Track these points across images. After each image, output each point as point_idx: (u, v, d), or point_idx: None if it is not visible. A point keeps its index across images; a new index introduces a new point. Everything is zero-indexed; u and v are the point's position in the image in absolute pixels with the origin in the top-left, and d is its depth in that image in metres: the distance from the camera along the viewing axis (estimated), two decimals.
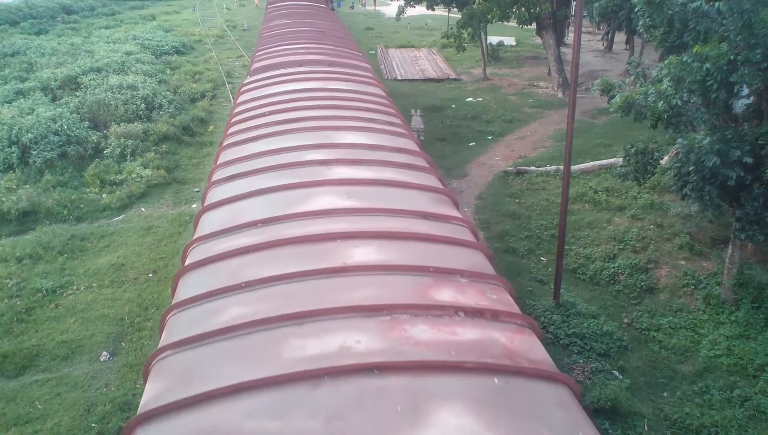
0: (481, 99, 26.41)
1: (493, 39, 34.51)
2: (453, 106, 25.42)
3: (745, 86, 10.02)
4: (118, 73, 25.83)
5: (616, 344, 10.81)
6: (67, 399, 9.72)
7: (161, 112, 22.39)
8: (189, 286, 5.92)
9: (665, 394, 9.87)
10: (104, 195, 16.75)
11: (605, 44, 35.20)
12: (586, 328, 11.04)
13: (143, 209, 16.36)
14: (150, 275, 13.19)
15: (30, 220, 15.47)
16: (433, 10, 34.19)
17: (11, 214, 15.31)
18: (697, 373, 10.18)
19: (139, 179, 17.42)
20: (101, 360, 10.63)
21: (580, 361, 10.34)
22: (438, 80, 29.98)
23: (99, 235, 14.95)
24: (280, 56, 14.80)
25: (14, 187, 16.63)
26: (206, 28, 43.62)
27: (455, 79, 30.09)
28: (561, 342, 10.71)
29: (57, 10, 48.66)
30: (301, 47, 15.91)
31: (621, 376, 10.09)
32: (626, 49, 33.66)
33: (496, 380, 4.29)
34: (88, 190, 17.09)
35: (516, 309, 5.35)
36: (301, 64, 13.68)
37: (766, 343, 10.50)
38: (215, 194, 7.78)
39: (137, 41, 34.36)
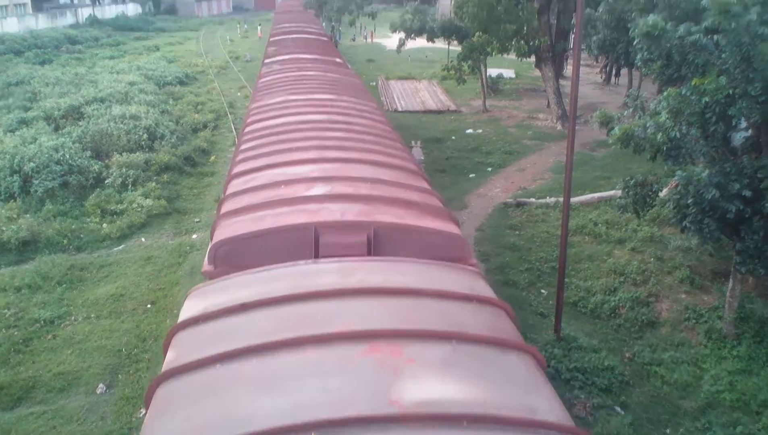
0: (480, 131, 26.57)
1: (492, 71, 34.84)
2: (453, 137, 25.56)
3: (743, 119, 10.08)
4: (121, 103, 26.04)
5: (618, 379, 10.69)
6: (62, 432, 9.58)
7: (163, 142, 22.51)
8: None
9: (668, 430, 9.73)
10: (104, 225, 16.76)
11: (604, 77, 35.54)
12: (588, 363, 10.93)
13: (143, 239, 16.35)
14: (149, 306, 13.12)
15: (30, 249, 15.44)
16: (434, 42, 34.60)
17: (11, 244, 15.27)
18: (699, 409, 10.06)
19: (139, 209, 17.43)
20: (98, 392, 10.51)
21: (582, 396, 10.22)
22: (438, 112, 30.19)
23: (98, 265, 14.91)
24: (278, 210, 7.47)
25: (15, 216, 16.64)
26: (209, 59, 44.11)
27: (455, 111, 30.31)
28: (562, 377, 10.59)
29: (61, 41, 49.36)
30: (312, 170, 8.67)
31: (623, 412, 9.96)
32: (616, 83, 33.99)
33: None
34: (88, 219, 17.10)
35: None
36: (316, 257, 6.74)
37: None
38: None
39: (141, 72, 34.73)
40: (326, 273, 6.00)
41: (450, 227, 7.36)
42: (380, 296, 5.58)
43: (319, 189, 8.03)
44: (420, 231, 7.06)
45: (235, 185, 8.92)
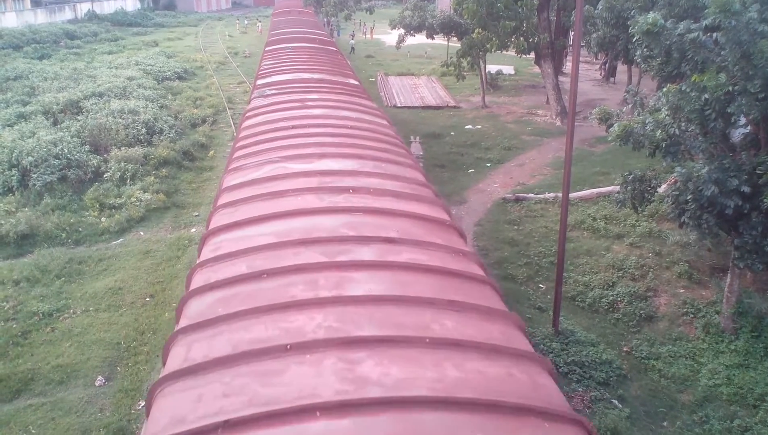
0: (480, 126, 26.57)
1: (492, 68, 34.81)
2: (452, 133, 25.57)
3: (742, 116, 10.11)
4: (120, 98, 26.01)
5: (616, 373, 10.73)
6: (61, 424, 9.60)
7: (162, 137, 22.50)
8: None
9: (665, 423, 9.78)
10: (103, 218, 16.75)
11: (603, 74, 35.54)
12: (586, 356, 10.97)
13: (142, 233, 16.35)
14: (147, 299, 13.13)
15: (28, 243, 15.43)
16: (433, 39, 34.49)
17: (9, 237, 15.27)
18: (697, 403, 10.11)
19: (138, 203, 17.42)
20: (96, 385, 10.53)
21: (580, 389, 10.26)
22: (437, 108, 30.18)
23: (97, 258, 14.91)
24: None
25: (13, 209, 16.64)
26: (208, 55, 44.02)
27: (454, 107, 30.30)
28: (560, 370, 10.62)
29: (60, 36, 49.17)
30: (331, 393, 4.26)
31: (620, 405, 10.01)
32: (614, 81, 33.91)
33: None
34: (87, 213, 17.09)
35: None
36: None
37: (765, 373, 10.43)
38: None
39: (139, 67, 34.65)
40: None
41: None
42: None
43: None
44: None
45: (164, 408, 4.45)
